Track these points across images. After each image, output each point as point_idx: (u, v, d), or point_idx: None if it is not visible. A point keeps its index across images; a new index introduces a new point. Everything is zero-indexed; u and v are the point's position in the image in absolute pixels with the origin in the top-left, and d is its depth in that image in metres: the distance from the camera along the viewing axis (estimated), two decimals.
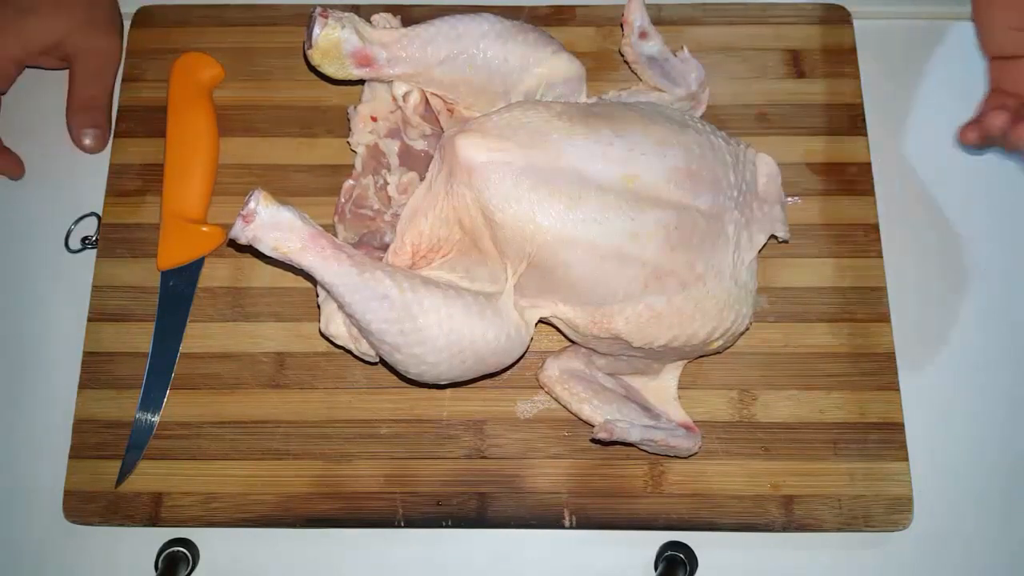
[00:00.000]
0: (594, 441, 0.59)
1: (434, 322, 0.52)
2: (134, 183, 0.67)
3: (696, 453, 0.59)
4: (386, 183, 0.60)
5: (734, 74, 0.69)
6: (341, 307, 0.54)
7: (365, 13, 0.70)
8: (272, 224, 0.51)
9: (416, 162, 0.61)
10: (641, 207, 0.54)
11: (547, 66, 0.59)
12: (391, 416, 0.62)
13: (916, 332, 0.64)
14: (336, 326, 0.56)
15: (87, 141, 0.68)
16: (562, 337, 0.61)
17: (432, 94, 0.59)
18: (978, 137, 0.60)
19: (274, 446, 0.61)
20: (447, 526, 0.60)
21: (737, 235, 0.57)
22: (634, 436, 0.56)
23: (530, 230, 0.53)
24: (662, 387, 0.61)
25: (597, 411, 0.58)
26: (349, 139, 0.62)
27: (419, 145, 0.61)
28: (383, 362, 0.56)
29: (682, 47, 0.64)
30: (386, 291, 0.52)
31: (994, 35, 0.62)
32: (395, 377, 0.61)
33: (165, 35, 0.70)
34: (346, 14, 0.58)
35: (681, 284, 0.55)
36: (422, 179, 0.58)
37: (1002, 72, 0.63)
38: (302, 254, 0.51)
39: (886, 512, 0.59)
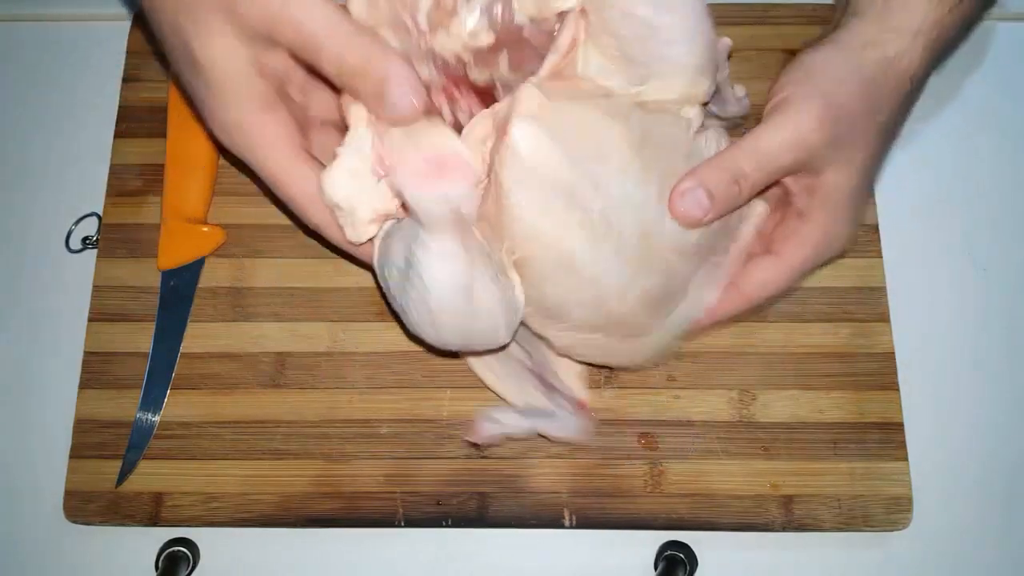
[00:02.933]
0: (469, 443, 0.60)
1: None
2: (134, 183, 0.67)
3: (586, 440, 0.59)
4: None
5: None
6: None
7: None
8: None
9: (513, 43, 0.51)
10: (641, 269, 0.51)
11: (695, 86, 0.52)
12: (391, 416, 0.62)
13: (916, 332, 0.64)
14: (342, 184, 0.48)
15: (393, 107, 0.45)
16: None
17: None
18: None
19: (274, 446, 0.61)
20: (447, 526, 0.60)
21: (696, 294, 0.55)
22: (511, 431, 0.56)
23: (533, 233, 0.49)
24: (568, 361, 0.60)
25: (499, 381, 0.58)
26: None
27: (526, 29, 0.51)
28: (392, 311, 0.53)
29: (739, 85, 0.62)
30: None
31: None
32: (395, 377, 0.61)
33: None
34: None
35: (629, 334, 0.54)
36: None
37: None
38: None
39: (886, 512, 0.59)
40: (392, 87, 0.44)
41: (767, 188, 0.53)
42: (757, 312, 0.57)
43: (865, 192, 0.54)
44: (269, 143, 0.45)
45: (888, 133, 0.54)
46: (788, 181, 0.53)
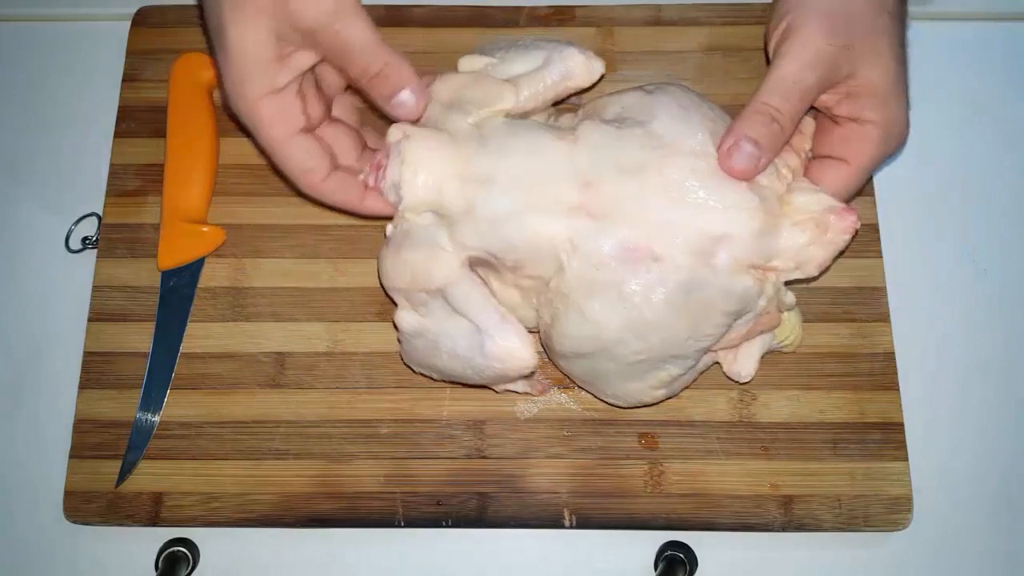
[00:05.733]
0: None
1: None
2: (134, 183, 0.67)
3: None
4: None
5: (734, 74, 0.69)
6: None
7: None
8: None
9: None
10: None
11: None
12: (391, 416, 0.62)
13: (916, 332, 0.64)
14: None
15: (402, 106, 0.54)
16: None
17: None
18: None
19: (274, 446, 0.61)
20: (447, 526, 0.60)
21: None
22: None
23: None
24: None
25: None
26: None
27: None
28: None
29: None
30: None
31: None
32: (395, 377, 0.61)
33: (165, 35, 0.70)
34: None
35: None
36: None
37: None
38: None
39: (886, 512, 0.59)
40: (406, 92, 0.53)
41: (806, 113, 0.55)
42: None
43: (903, 75, 0.55)
44: (270, 119, 0.52)
45: (901, 15, 0.55)
46: (827, 99, 0.54)
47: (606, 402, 0.60)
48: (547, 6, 0.71)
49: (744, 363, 0.58)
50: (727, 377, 0.59)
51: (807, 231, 0.53)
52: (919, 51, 0.72)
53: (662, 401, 0.58)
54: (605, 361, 0.54)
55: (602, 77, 0.58)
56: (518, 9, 0.70)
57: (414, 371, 0.60)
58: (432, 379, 0.60)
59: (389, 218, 0.57)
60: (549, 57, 0.57)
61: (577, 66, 0.56)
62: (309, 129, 0.54)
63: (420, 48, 0.68)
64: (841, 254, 0.55)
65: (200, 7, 0.54)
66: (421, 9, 0.70)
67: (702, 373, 0.60)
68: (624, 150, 0.52)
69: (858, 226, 0.53)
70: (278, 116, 0.52)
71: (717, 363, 0.59)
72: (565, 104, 0.62)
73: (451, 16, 0.70)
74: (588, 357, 0.54)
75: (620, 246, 0.51)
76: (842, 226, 0.53)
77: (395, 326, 0.57)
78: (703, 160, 0.52)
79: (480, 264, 0.55)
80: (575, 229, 0.52)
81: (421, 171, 0.54)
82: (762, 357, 0.59)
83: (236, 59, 0.50)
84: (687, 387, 0.59)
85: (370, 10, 0.71)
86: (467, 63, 0.59)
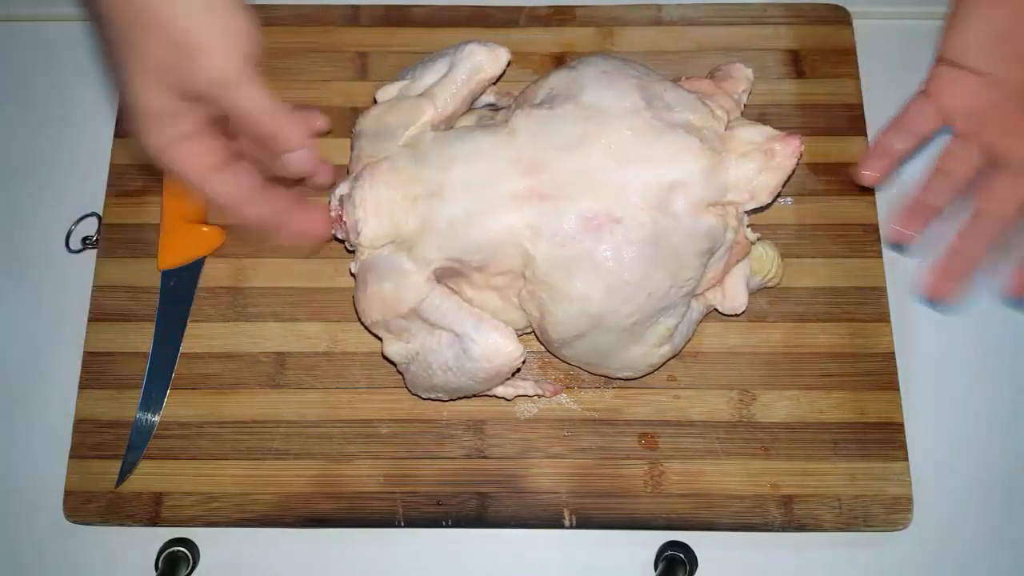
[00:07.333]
0: None
1: None
2: (134, 183, 0.67)
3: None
4: None
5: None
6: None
7: (365, 15, 0.70)
8: None
9: None
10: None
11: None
12: (391, 416, 0.62)
13: (916, 332, 0.64)
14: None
15: (291, 165, 0.53)
16: None
17: None
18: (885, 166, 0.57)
19: (274, 446, 0.61)
20: (447, 526, 0.60)
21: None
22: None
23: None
24: None
25: None
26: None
27: None
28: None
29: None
30: None
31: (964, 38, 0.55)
32: (395, 377, 0.61)
33: None
34: None
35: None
36: None
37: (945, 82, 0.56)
38: None
39: (886, 512, 0.59)
40: (295, 154, 0.52)
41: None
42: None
43: None
44: (184, 160, 0.52)
45: None
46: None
47: (620, 378, 0.60)
48: (547, 6, 0.71)
49: (734, 296, 0.59)
50: (721, 314, 0.60)
51: (754, 160, 0.55)
52: (921, 50, 0.72)
53: (670, 359, 0.59)
54: (602, 334, 0.55)
55: (510, 62, 0.59)
56: (518, 9, 0.71)
57: (423, 398, 0.60)
58: (444, 401, 0.60)
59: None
60: (453, 60, 0.59)
61: (482, 58, 0.58)
62: (225, 164, 0.53)
63: (420, 48, 0.68)
64: (788, 179, 0.57)
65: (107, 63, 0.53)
66: (421, 9, 0.70)
67: (699, 323, 0.60)
68: (561, 128, 0.54)
69: (802, 148, 0.55)
70: (191, 157, 0.52)
71: (714, 309, 0.60)
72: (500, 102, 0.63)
73: (451, 16, 0.70)
74: (585, 336, 0.55)
75: (579, 219, 0.53)
76: (788, 150, 0.55)
77: (387, 360, 0.58)
78: (638, 118, 0.54)
79: (448, 275, 0.56)
80: (531, 215, 0.53)
81: (371, 205, 0.55)
82: (747, 285, 0.60)
83: (144, 114, 0.51)
84: (688, 340, 0.60)
85: (370, 10, 0.71)
86: (383, 94, 0.60)
